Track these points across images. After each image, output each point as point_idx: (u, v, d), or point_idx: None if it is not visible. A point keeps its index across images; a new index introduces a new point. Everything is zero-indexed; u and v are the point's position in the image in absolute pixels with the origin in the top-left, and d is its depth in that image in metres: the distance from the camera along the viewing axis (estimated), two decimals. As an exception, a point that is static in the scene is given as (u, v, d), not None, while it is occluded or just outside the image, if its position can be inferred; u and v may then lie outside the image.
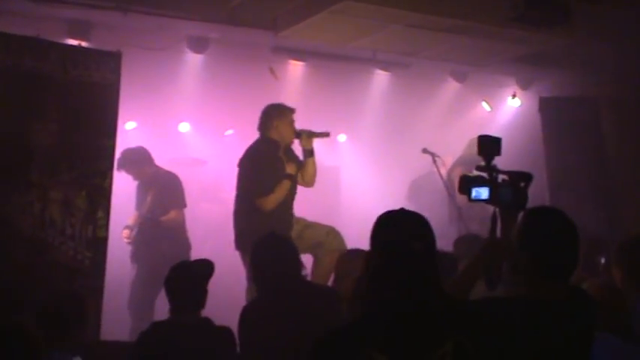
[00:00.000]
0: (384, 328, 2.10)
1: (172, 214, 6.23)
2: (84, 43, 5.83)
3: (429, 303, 2.15)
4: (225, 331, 3.56)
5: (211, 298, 3.69)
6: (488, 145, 3.16)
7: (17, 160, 5.01)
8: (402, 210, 2.40)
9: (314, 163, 5.23)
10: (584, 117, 7.58)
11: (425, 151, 6.58)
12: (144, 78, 6.55)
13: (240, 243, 5.07)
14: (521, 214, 2.81)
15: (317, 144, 8.13)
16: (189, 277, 3.60)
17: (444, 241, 6.80)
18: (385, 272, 2.22)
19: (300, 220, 5.24)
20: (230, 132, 8.75)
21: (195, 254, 6.35)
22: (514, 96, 8.34)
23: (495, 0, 5.40)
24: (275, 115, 5.13)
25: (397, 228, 2.30)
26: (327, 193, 5.42)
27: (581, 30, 5.82)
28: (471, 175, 3.18)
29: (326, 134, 5.20)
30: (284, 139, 5.14)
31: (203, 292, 3.60)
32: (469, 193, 3.06)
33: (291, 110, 5.20)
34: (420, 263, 2.21)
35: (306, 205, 5.41)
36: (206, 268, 3.65)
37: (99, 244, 5.24)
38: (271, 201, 4.97)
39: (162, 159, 7.35)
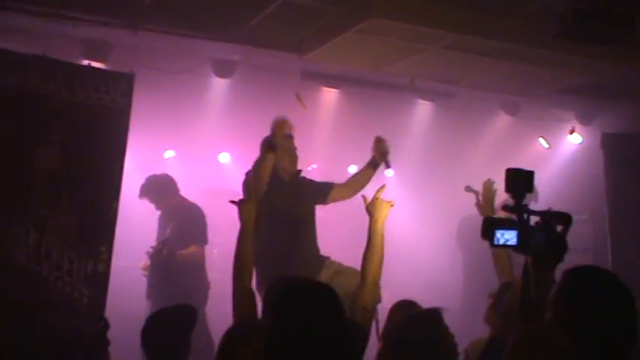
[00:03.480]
0: None
1: (191, 249, 5.79)
2: (101, 65, 5.49)
3: None
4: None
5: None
6: (518, 181, 2.62)
7: (15, 186, 4.70)
8: (309, 283, 1.93)
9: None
10: (650, 155, 6.87)
11: (468, 189, 6.00)
12: (164, 101, 6.27)
13: (257, 284, 4.53)
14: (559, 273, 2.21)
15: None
16: (169, 328, 3.15)
17: (488, 289, 6.19)
18: None
19: (333, 263, 4.66)
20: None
21: (218, 293, 5.92)
22: (572, 132, 7.65)
23: (541, 16, 4.77)
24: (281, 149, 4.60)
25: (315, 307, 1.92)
26: (360, 231, 4.85)
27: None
28: (497, 217, 2.63)
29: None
30: None
31: (185, 345, 3.15)
32: (492, 237, 2.50)
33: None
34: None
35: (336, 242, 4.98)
36: (187, 315, 3.20)
37: (99, 280, 4.87)
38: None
39: (194, 189, 7.02)
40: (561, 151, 8.04)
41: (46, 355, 4.58)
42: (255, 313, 2.89)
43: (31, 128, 4.75)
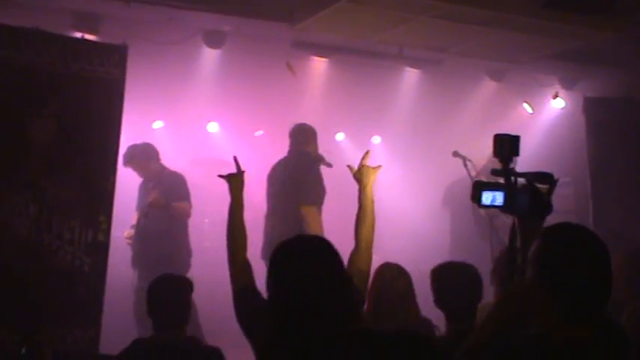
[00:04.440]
0: None
1: (184, 205, 5.82)
2: (92, 37, 5.52)
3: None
4: (214, 352, 3.28)
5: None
6: (505, 145, 2.76)
7: (13, 159, 4.75)
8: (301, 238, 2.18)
9: None
10: (632, 119, 7.00)
11: (455, 154, 6.17)
12: (155, 73, 6.32)
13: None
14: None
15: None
16: (173, 291, 3.36)
17: (474, 254, 6.39)
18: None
19: None
20: (260, 132, 8.45)
21: (210, 260, 6.05)
22: (555, 96, 7.79)
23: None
24: (314, 136, 5.53)
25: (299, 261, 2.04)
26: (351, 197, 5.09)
27: (627, 22, 5.24)
28: (486, 180, 2.78)
29: (329, 165, 5.47)
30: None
31: (186, 307, 3.38)
32: (479, 199, 2.65)
33: None
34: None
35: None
36: (186, 282, 3.49)
37: (99, 248, 4.96)
38: (313, 212, 5.17)
39: (183, 159, 7.10)
40: (545, 116, 8.15)
41: (45, 320, 4.70)
42: (253, 282, 2.99)
43: (25, 102, 4.77)
